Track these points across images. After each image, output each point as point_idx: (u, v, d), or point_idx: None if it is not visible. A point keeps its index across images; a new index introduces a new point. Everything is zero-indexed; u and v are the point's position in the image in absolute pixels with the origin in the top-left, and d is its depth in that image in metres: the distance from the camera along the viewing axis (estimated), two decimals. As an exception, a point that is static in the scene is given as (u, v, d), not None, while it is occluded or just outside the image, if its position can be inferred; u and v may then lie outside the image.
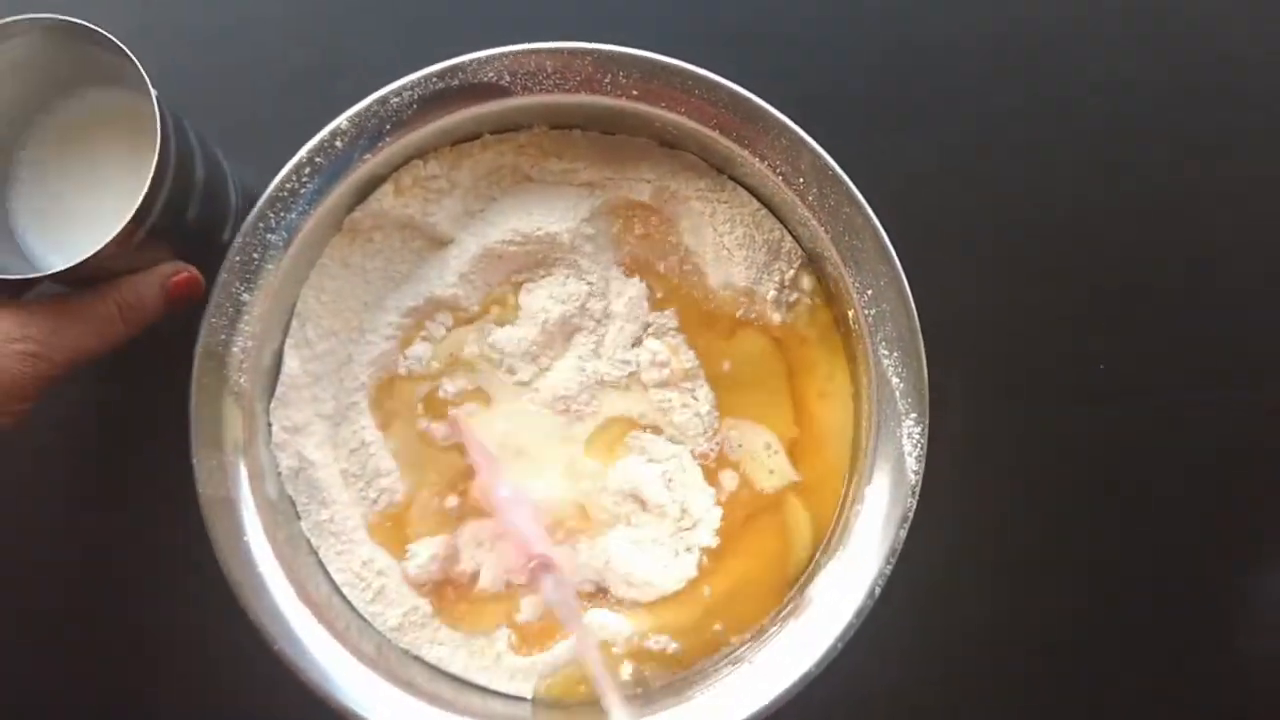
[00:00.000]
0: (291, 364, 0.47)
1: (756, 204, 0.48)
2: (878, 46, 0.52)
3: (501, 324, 0.48)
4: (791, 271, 0.48)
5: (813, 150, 0.44)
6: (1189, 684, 0.52)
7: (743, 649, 0.47)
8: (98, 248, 0.39)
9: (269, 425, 0.47)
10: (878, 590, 0.44)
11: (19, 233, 0.44)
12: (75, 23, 0.40)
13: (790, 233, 0.48)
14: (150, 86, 0.39)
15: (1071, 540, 0.52)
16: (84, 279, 0.41)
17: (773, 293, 0.48)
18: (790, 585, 0.48)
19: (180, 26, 0.52)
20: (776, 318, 0.48)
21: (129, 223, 0.39)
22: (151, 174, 0.39)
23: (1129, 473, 0.52)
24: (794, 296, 0.48)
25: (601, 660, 0.45)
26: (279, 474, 0.47)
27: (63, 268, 0.39)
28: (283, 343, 0.47)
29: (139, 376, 0.51)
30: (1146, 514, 0.52)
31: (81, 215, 0.44)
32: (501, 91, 0.45)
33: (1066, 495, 0.52)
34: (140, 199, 0.39)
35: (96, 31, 0.40)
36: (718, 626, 0.47)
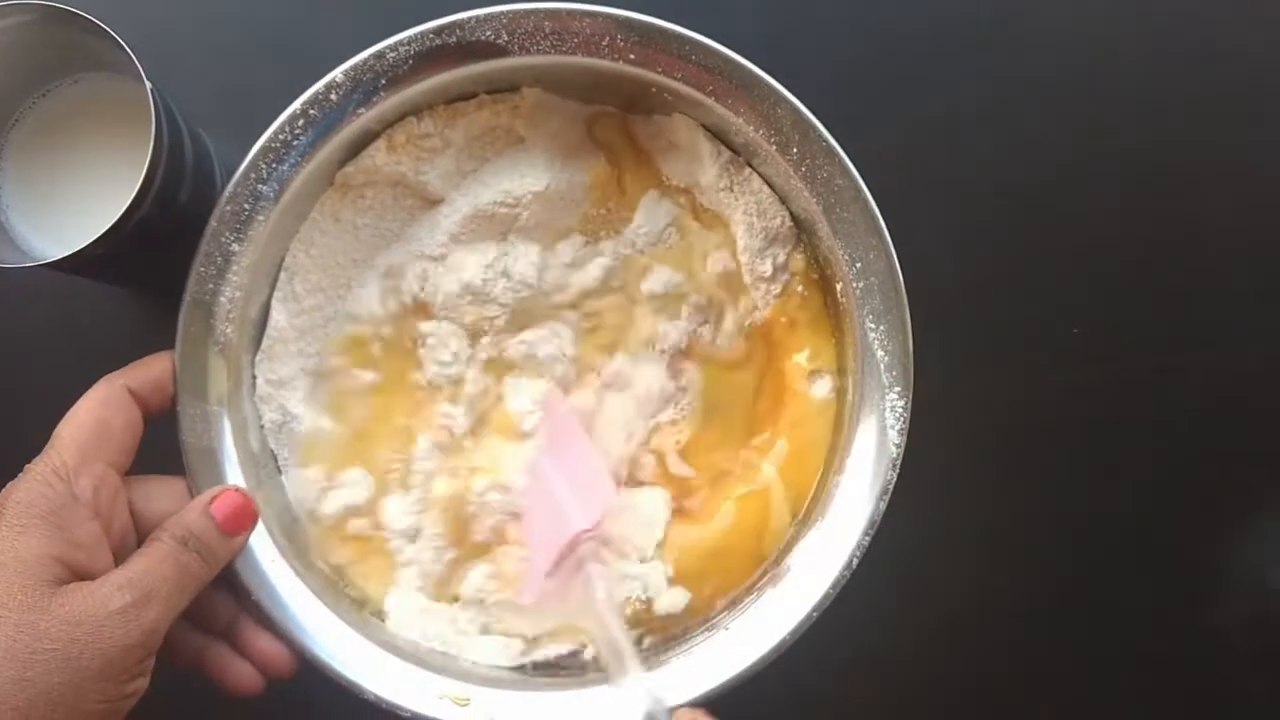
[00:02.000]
0: (278, 317, 0.47)
1: (767, 191, 0.48)
2: (861, 14, 0.52)
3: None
4: (784, 256, 0.48)
5: (808, 122, 0.44)
6: (1163, 648, 0.53)
7: (719, 616, 0.47)
8: (94, 236, 0.38)
9: (254, 378, 0.47)
10: (855, 561, 0.44)
11: (6, 219, 0.44)
12: (64, 9, 0.39)
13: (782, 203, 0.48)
14: (144, 77, 0.39)
15: (1045, 504, 0.52)
16: (75, 267, 0.41)
17: (765, 275, 0.48)
18: (765, 558, 0.48)
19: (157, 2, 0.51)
20: (765, 305, 0.48)
21: (123, 213, 0.39)
22: (146, 164, 0.39)
23: (1102, 435, 0.53)
24: (785, 279, 0.48)
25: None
26: (262, 427, 0.47)
27: (56, 257, 0.39)
28: (270, 295, 0.47)
29: (128, 326, 0.51)
30: (1120, 476, 0.53)
31: (71, 201, 0.43)
32: (498, 51, 0.45)
33: (1039, 459, 0.53)
34: (136, 188, 0.39)
35: (85, 18, 0.39)
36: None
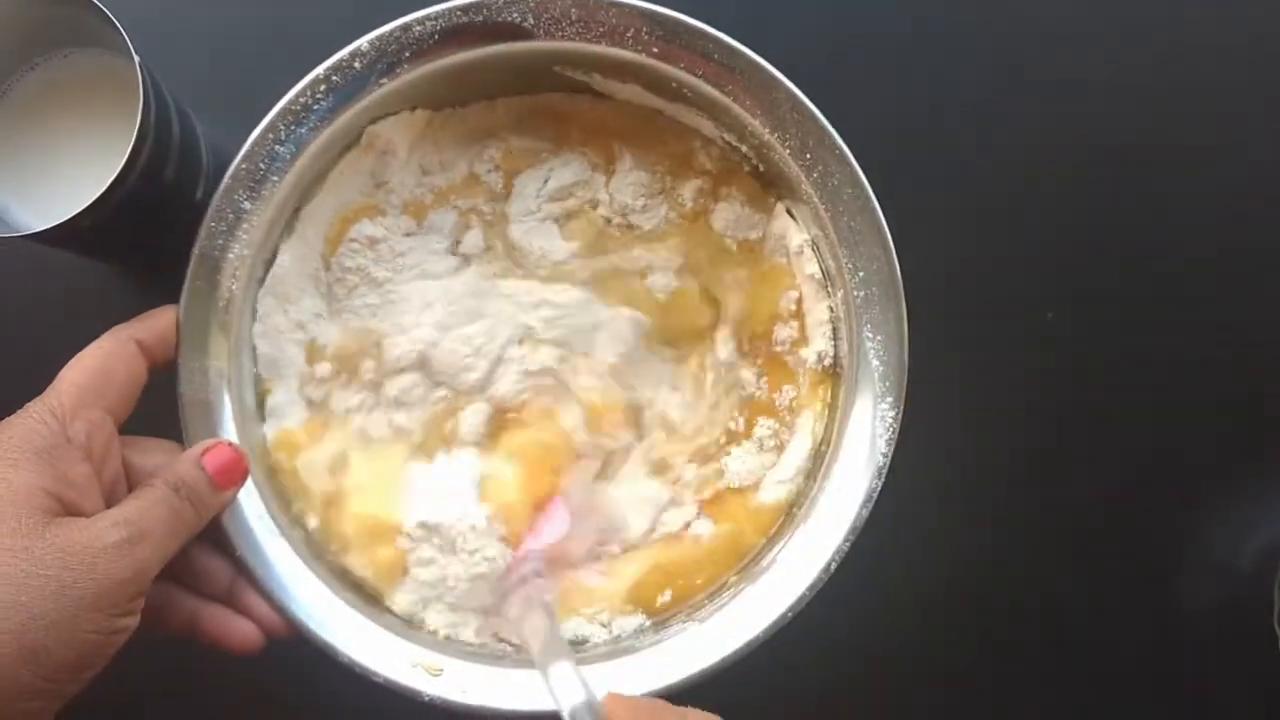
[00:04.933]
0: (284, 259, 0.47)
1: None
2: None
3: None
4: None
5: (823, 128, 0.45)
6: (1131, 630, 0.53)
7: (696, 611, 0.47)
8: (78, 209, 0.39)
9: (253, 330, 0.47)
10: (834, 565, 0.44)
11: None
12: None
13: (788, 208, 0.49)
14: (133, 51, 0.39)
15: (1016, 488, 0.53)
16: (61, 241, 0.41)
17: None
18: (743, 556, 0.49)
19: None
20: None
21: (110, 185, 0.39)
22: (134, 138, 0.39)
23: (1072, 419, 0.53)
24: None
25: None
26: (257, 372, 0.48)
27: (42, 228, 0.39)
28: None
29: (110, 301, 0.51)
30: (1089, 460, 0.53)
31: (57, 174, 0.44)
32: (524, 33, 0.45)
33: (1010, 443, 0.53)
34: (122, 162, 0.39)
35: None
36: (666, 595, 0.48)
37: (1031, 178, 0.53)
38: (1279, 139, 0.54)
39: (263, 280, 0.47)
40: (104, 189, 0.39)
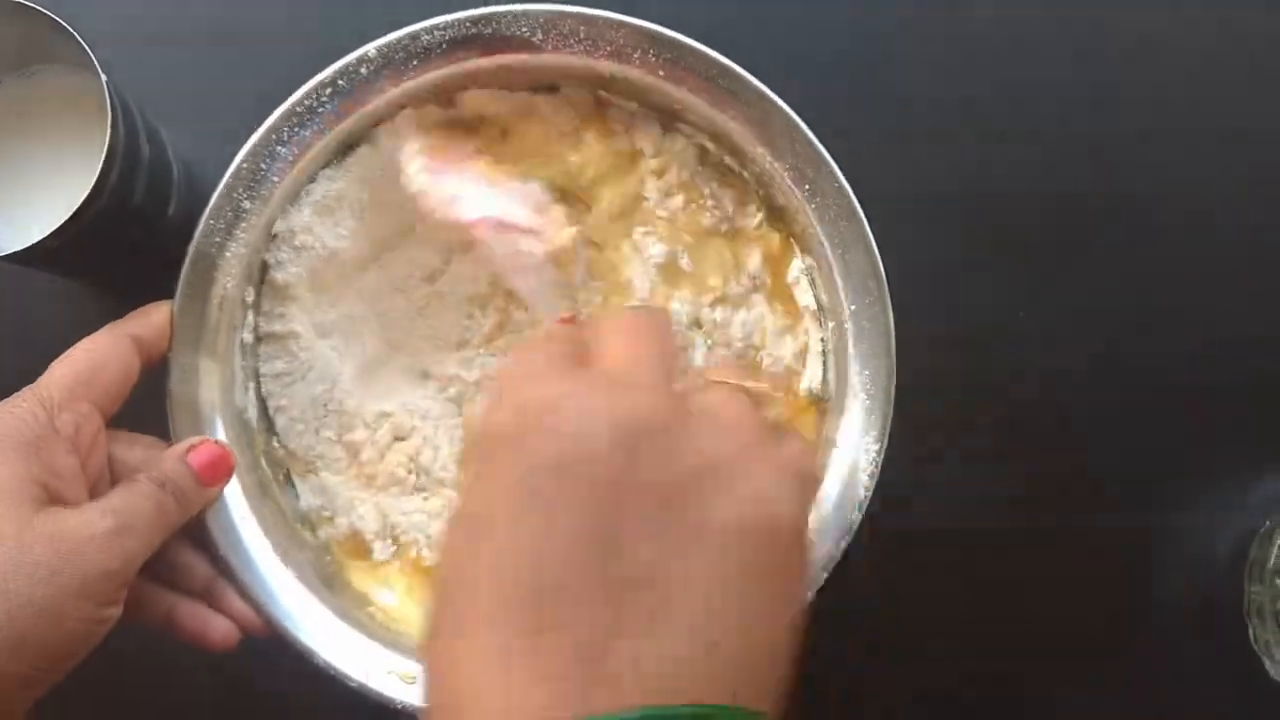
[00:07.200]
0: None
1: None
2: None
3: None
4: None
5: (823, 159, 0.45)
6: (1104, 619, 0.53)
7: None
8: (50, 229, 0.38)
9: (247, 337, 0.47)
10: (810, 596, 0.45)
11: None
12: (19, 3, 0.39)
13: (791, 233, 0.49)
14: (100, 71, 0.39)
15: (991, 481, 0.53)
16: (31, 261, 0.41)
17: None
18: None
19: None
20: None
21: (80, 206, 0.39)
22: (103, 159, 0.39)
23: (1046, 413, 0.53)
24: None
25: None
26: (248, 384, 0.48)
27: (10, 250, 0.39)
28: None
29: (82, 319, 0.50)
30: (1064, 452, 0.53)
31: (25, 194, 0.43)
32: (531, 47, 0.45)
33: (984, 444, 0.53)
34: (91, 184, 0.39)
35: (39, 11, 0.39)
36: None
37: (1004, 177, 0.53)
38: (1252, 138, 0.54)
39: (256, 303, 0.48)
40: (74, 210, 0.39)
